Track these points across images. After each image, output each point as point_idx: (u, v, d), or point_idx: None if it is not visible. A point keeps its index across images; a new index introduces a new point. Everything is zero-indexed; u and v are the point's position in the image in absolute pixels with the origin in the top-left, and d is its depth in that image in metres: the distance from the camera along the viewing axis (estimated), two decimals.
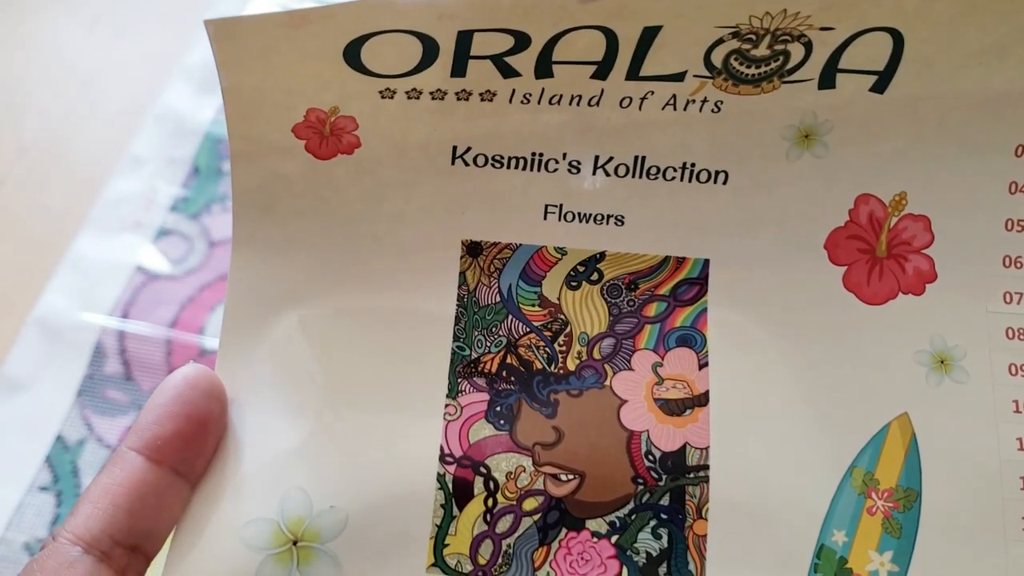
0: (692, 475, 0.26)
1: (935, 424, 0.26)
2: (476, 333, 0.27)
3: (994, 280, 0.27)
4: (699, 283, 0.28)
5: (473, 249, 0.28)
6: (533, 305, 0.28)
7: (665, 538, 0.25)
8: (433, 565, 0.25)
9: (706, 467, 0.26)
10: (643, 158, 0.27)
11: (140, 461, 0.24)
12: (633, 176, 0.27)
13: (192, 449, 0.25)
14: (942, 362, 0.26)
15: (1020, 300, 0.27)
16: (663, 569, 0.25)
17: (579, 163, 0.27)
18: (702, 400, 0.27)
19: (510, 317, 0.28)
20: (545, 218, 0.28)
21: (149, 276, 0.46)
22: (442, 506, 0.26)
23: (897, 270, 0.27)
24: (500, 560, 0.25)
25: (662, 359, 0.27)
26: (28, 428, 0.42)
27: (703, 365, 0.27)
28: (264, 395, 0.27)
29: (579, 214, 0.28)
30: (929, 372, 0.26)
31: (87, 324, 0.45)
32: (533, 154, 0.27)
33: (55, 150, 0.50)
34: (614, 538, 0.25)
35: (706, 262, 0.28)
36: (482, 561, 0.25)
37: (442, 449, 0.26)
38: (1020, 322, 0.27)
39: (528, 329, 0.28)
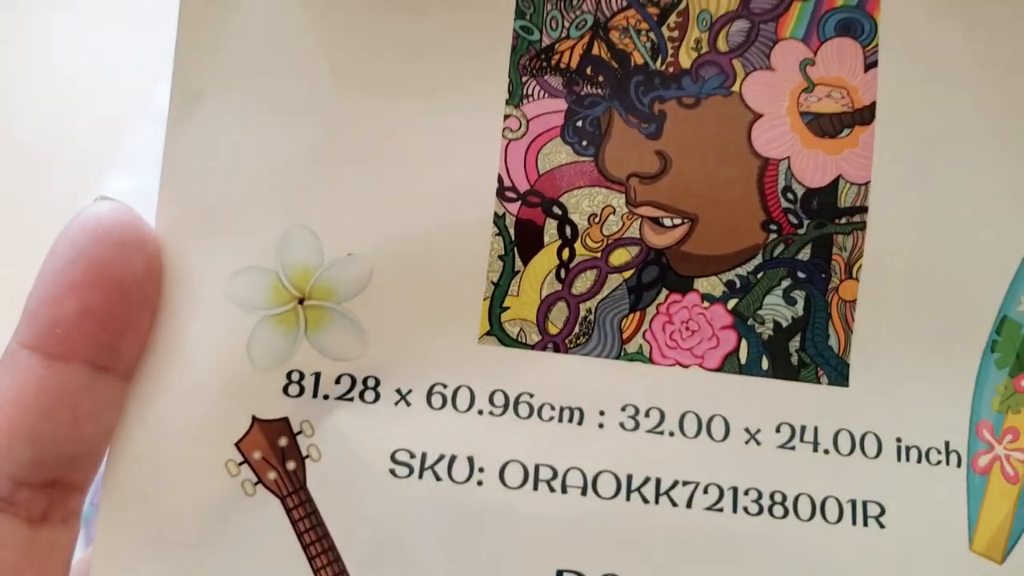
0: (844, 220, 0.19)
1: None
2: (549, 7, 0.19)
3: None
4: None
5: None
6: None
7: (801, 303, 0.19)
8: (488, 334, 0.19)
9: (863, 210, 0.19)
10: None
11: (36, 362, 0.17)
12: None
13: (111, 330, 0.17)
14: None
15: None
16: (795, 344, 0.19)
17: None
18: (865, 116, 0.19)
19: None
20: None
21: None
22: (500, 257, 0.18)
23: None
24: (577, 329, 0.19)
25: (814, 54, 0.19)
26: None
27: (870, 65, 0.19)
28: (244, 88, 0.18)
29: None
30: None
31: None
32: None
33: (49, 149, 0.50)
34: (732, 303, 0.19)
35: None
36: (553, 330, 0.19)
37: (500, 180, 0.18)
38: None
39: (626, 2, 0.19)
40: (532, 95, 0.19)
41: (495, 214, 0.18)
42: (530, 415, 0.18)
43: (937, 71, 0.19)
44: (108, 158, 0.48)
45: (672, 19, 0.19)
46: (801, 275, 0.19)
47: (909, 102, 0.19)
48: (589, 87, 0.19)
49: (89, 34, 0.53)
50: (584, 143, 0.19)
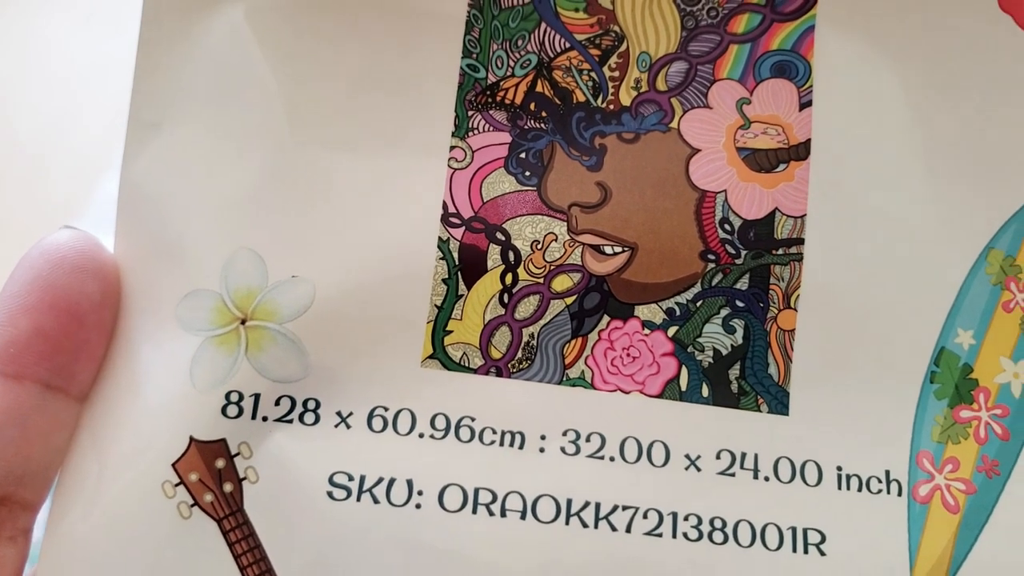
0: (781, 251, 0.19)
1: None
2: (495, 47, 0.20)
3: None
4: None
5: None
6: (577, 10, 0.20)
7: (740, 332, 0.19)
8: (431, 357, 0.19)
9: (800, 241, 0.19)
10: None
11: None
12: None
13: (65, 352, 0.18)
14: None
15: None
16: (735, 372, 0.19)
17: None
18: (801, 152, 0.20)
19: (543, 26, 0.20)
20: None
21: None
22: (444, 281, 0.19)
23: None
24: (520, 354, 0.19)
25: (750, 94, 0.20)
26: None
27: (805, 104, 0.20)
28: (198, 119, 0.19)
29: None
30: None
31: None
32: None
33: (49, 148, 0.49)
34: (672, 330, 0.19)
35: None
36: (496, 354, 0.19)
37: (445, 206, 0.19)
38: None
39: (568, 44, 0.20)
40: (477, 128, 0.19)
41: (439, 239, 0.19)
42: (471, 439, 0.18)
43: (869, 110, 0.20)
44: (106, 159, 0.47)
45: (613, 60, 0.20)
46: (740, 304, 0.19)
47: (843, 139, 0.20)
48: (532, 122, 0.19)
49: (88, 34, 0.51)
50: (527, 173, 0.19)
